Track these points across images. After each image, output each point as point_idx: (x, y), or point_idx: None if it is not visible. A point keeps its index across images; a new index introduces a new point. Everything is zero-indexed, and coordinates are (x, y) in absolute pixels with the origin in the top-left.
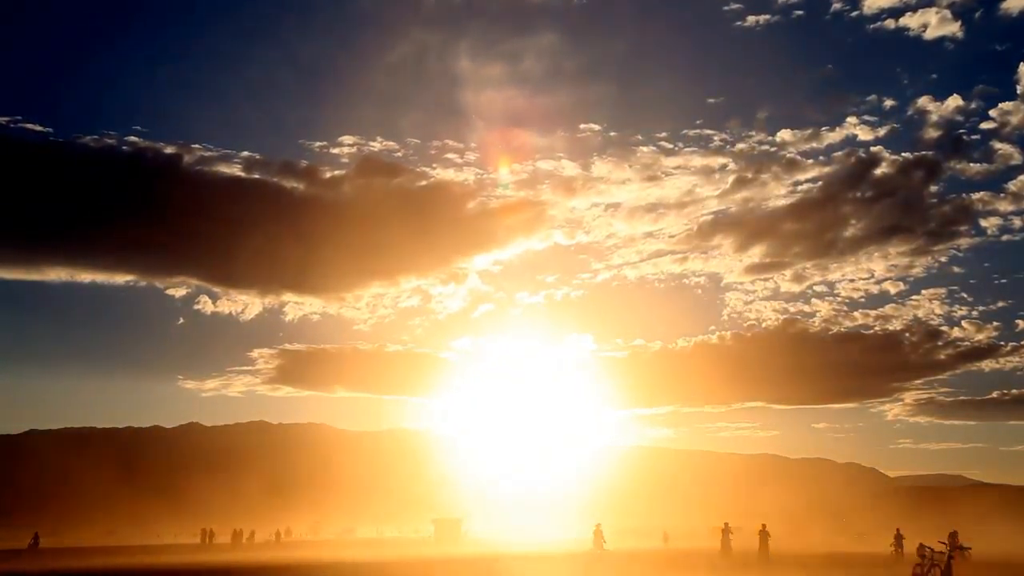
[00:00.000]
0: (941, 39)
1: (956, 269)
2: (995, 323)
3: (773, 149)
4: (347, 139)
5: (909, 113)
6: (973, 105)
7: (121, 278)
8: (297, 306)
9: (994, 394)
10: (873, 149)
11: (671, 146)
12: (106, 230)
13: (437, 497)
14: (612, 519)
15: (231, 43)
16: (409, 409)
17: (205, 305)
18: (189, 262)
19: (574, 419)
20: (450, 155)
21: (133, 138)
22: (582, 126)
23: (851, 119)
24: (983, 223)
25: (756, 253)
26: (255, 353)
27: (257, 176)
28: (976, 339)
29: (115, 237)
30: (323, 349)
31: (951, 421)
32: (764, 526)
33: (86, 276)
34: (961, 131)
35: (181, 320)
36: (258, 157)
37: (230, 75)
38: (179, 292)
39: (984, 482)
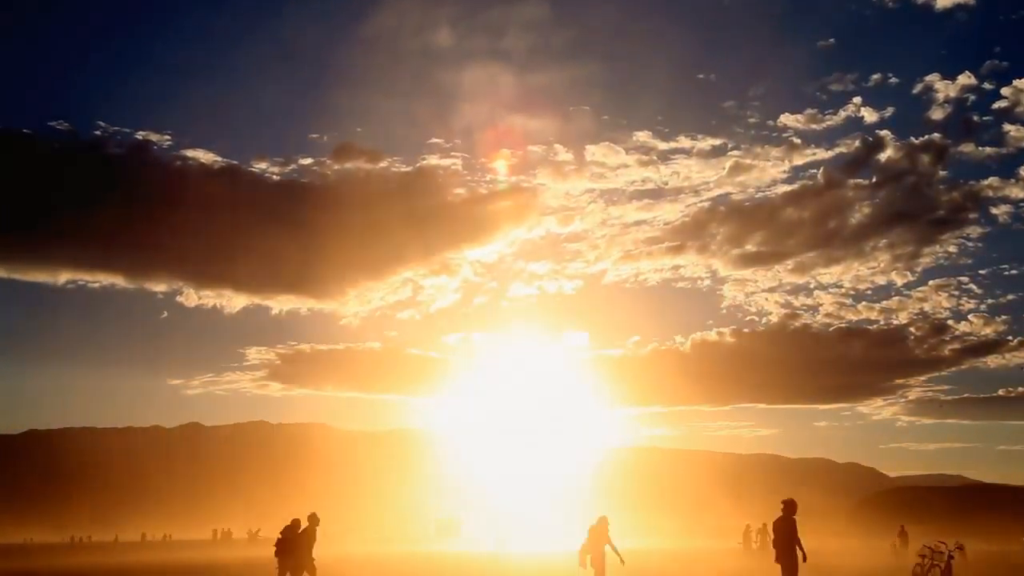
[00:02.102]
0: (953, 9)
1: (964, 260)
2: (1003, 317)
3: (774, 134)
4: (324, 124)
5: (916, 92)
6: (985, 84)
7: (103, 276)
8: (283, 302)
9: (1000, 391)
10: (878, 132)
11: (666, 129)
12: (79, 224)
13: (437, 497)
14: (613, 520)
15: (197, 24)
16: (402, 408)
17: (190, 300)
18: (171, 258)
19: (571, 418)
20: (435, 139)
21: (101, 123)
22: (572, 108)
23: (855, 99)
24: (993, 211)
25: (756, 242)
26: (246, 351)
27: (233, 166)
28: (983, 333)
29: (90, 232)
30: (313, 347)
31: (952, 420)
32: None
33: (64, 275)
34: (971, 112)
35: (165, 313)
36: (234, 145)
37: (199, 60)
38: (161, 288)
39: (985, 482)
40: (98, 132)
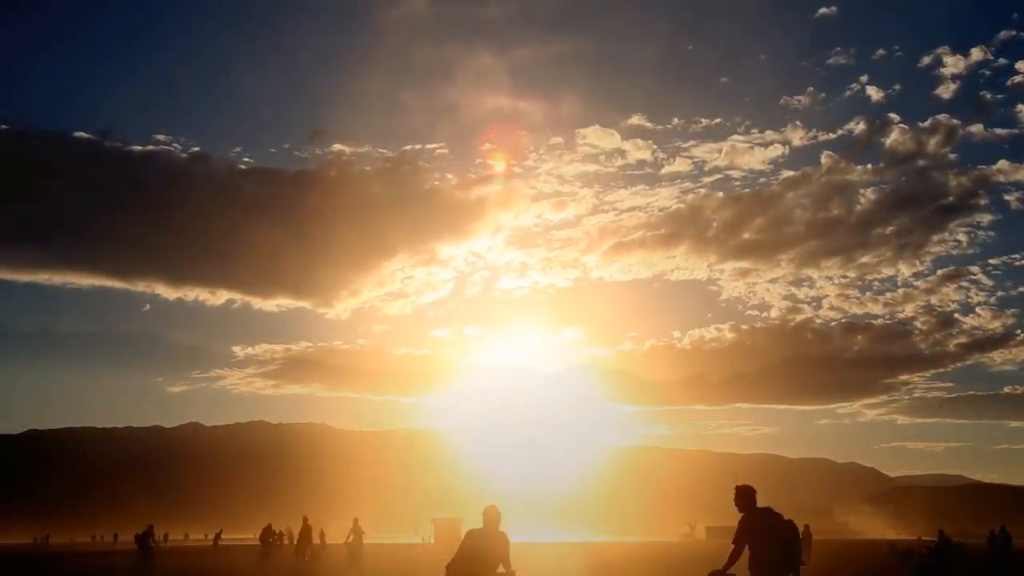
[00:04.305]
0: None
1: (974, 249)
2: (1012, 310)
3: (774, 116)
4: (301, 109)
5: (923, 68)
6: (1000, 60)
7: (88, 275)
8: (273, 298)
9: (1005, 389)
10: (882, 112)
11: (660, 110)
12: (65, 223)
13: (436, 498)
14: (607, 519)
15: (164, 15)
16: (399, 408)
17: (177, 298)
18: (157, 257)
19: (567, 417)
20: (418, 123)
21: (81, 134)
22: (562, 88)
23: (861, 78)
24: (1006, 197)
25: (754, 230)
26: (236, 350)
27: (214, 158)
28: (990, 327)
29: (75, 231)
30: (304, 345)
31: (953, 420)
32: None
33: (44, 274)
34: (982, 90)
35: (148, 306)
36: (211, 136)
37: (163, 51)
38: (147, 286)
39: (985, 482)
40: (71, 124)
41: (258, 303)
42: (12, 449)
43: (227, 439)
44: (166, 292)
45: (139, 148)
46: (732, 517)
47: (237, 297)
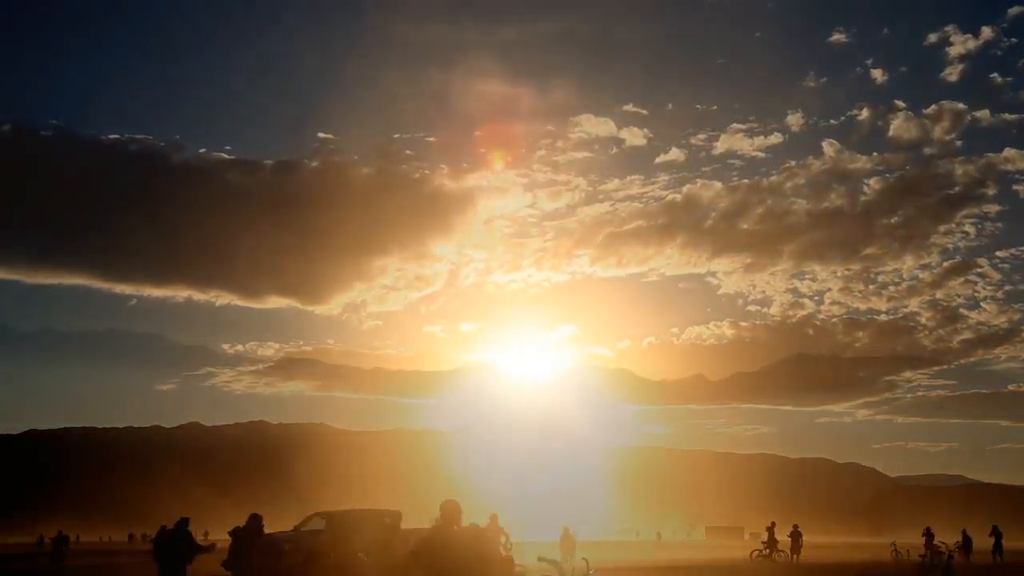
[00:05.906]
0: None
1: (981, 241)
2: (1019, 304)
3: (771, 101)
4: (283, 101)
5: (929, 48)
6: (1010, 40)
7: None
8: (269, 299)
9: (1010, 387)
10: (887, 97)
11: (654, 95)
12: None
13: (436, 498)
14: (606, 519)
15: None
16: (396, 408)
17: (174, 299)
18: (153, 257)
19: (565, 416)
20: (407, 113)
21: (55, 121)
22: (553, 73)
23: (866, 60)
24: (1014, 187)
25: (753, 222)
26: (233, 349)
27: (207, 156)
28: (995, 323)
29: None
30: (299, 345)
31: (953, 420)
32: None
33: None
34: (990, 72)
35: (135, 301)
36: (196, 132)
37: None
38: (136, 287)
39: (985, 482)
40: (47, 133)
41: (247, 301)
42: (12, 449)
43: (229, 439)
44: (151, 290)
45: (115, 137)
46: (732, 517)
47: (225, 293)
